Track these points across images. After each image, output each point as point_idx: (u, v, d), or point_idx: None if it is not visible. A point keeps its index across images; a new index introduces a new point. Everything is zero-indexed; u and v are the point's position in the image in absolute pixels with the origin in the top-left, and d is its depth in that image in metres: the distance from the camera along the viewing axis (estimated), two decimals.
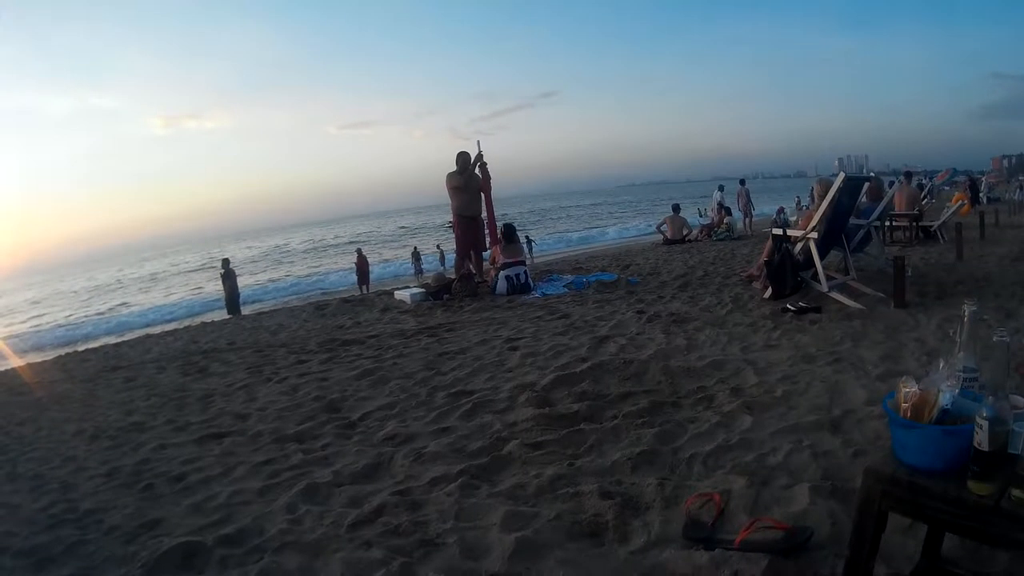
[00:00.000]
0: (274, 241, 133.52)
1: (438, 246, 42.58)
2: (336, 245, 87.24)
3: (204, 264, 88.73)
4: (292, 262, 77.30)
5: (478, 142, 16.48)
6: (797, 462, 4.98)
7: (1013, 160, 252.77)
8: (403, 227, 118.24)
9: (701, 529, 4.11)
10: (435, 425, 6.40)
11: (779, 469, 4.89)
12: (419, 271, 38.08)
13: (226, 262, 29.94)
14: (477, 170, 16.39)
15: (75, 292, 78.81)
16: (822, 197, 11.42)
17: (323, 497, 4.94)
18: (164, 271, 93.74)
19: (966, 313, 2.74)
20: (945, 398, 2.54)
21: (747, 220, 34.02)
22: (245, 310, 28.17)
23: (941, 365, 2.73)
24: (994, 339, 2.47)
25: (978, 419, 2.32)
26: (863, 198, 14.99)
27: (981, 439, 2.31)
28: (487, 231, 16.75)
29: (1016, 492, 2.29)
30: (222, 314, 27.82)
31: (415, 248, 43.86)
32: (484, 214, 16.76)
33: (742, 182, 37.36)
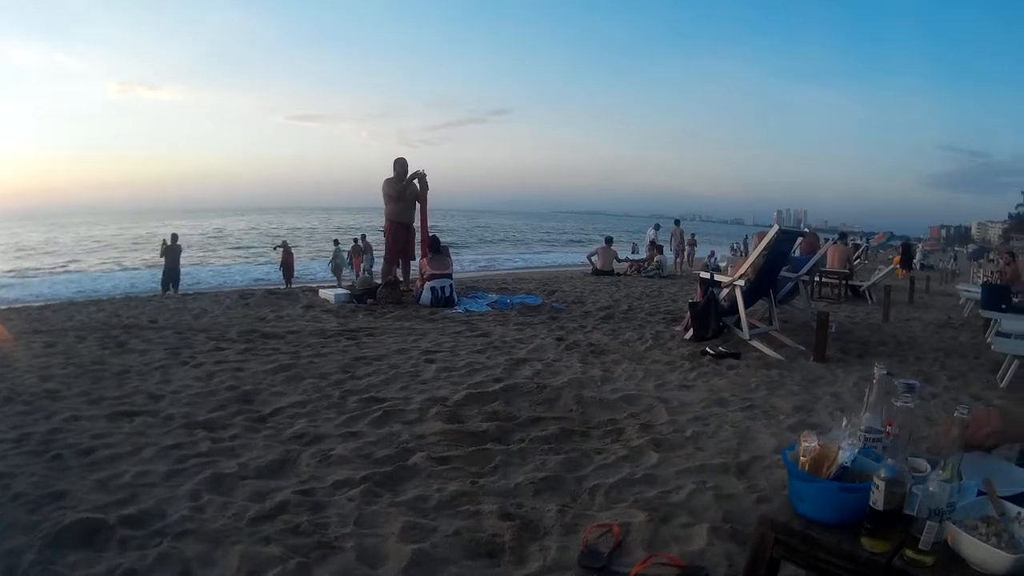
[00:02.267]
0: (214, 223, 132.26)
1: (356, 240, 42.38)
2: (273, 235, 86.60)
3: (141, 238, 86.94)
4: (227, 247, 76.54)
5: (424, 174, 16.50)
6: (699, 502, 5.05)
7: (952, 230, 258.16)
8: (338, 227, 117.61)
9: (597, 559, 4.15)
10: (344, 428, 6.38)
11: (681, 507, 4.95)
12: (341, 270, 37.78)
13: (174, 237, 29.45)
14: (416, 182, 16.36)
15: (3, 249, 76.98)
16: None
17: (227, 488, 4.91)
18: (93, 237, 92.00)
19: (876, 375, 2.82)
20: (845, 455, 2.59)
21: (678, 260, 34.51)
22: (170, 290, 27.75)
23: (844, 423, 2.80)
24: (898, 404, 2.53)
25: (876, 479, 2.37)
26: (796, 251, 15.16)
27: (877, 499, 2.35)
28: (419, 240, 16.72)
29: (909, 552, 2.33)
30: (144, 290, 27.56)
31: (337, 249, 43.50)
32: (418, 223, 16.75)
33: (677, 222, 37.65)
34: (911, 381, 2.86)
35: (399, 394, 7.59)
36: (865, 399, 2.83)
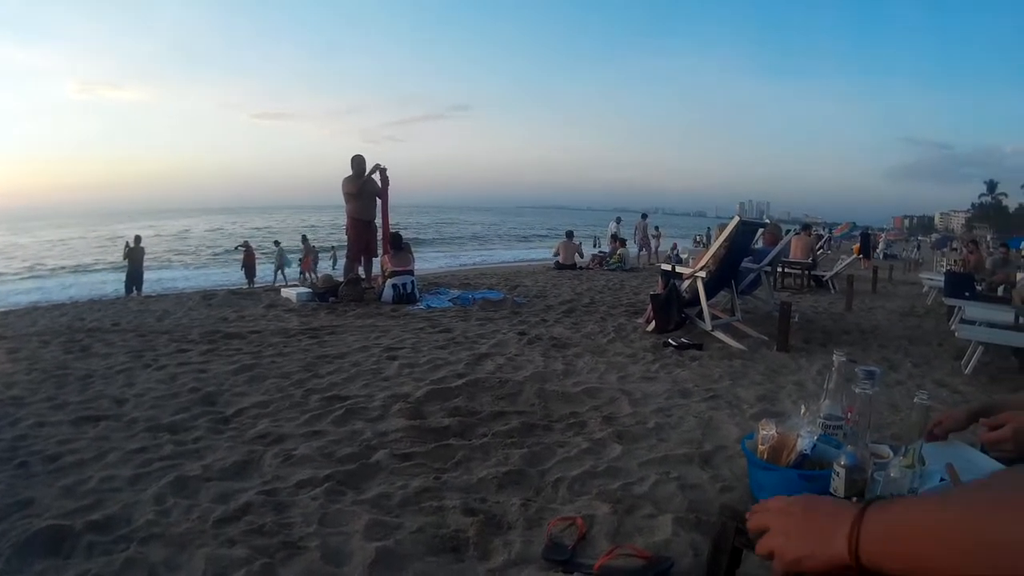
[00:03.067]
0: (178, 224, 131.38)
1: (304, 236, 42.18)
2: (237, 236, 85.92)
3: (104, 240, 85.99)
4: (191, 248, 76.05)
5: (383, 168, 16.58)
6: (663, 493, 5.09)
7: (915, 220, 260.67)
8: (307, 223, 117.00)
9: (561, 552, 4.17)
10: (307, 428, 6.37)
11: (644, 499, 4.98)
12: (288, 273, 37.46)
13: (137, 239, 29.25)
14: (376, 177, 16.44)
15: None
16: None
17: (191, 491, 4.89)
18: (56, 240, 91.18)
19: (835, 362, 2.81)
20: (805, 443, 2.59)
21: (642, 253, 34.76)
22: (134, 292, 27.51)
23: (803, 410, 2.80)
24: (857, 391, 2.53)
25: (836, 467, 2.36)
26: (759, 243, 15.23)
27: (837, 486, 2.35)
28: (381, 237, 16.77)
29: None
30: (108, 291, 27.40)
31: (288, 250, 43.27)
32: (379, 220, 16.82)
33: (643, 216, 37.69)
34: (872, 367, 2.85)
35: (361, 392, 7.59)
36: (825, 386, 2.81)
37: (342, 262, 20.44)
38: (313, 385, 7.82)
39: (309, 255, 36.42)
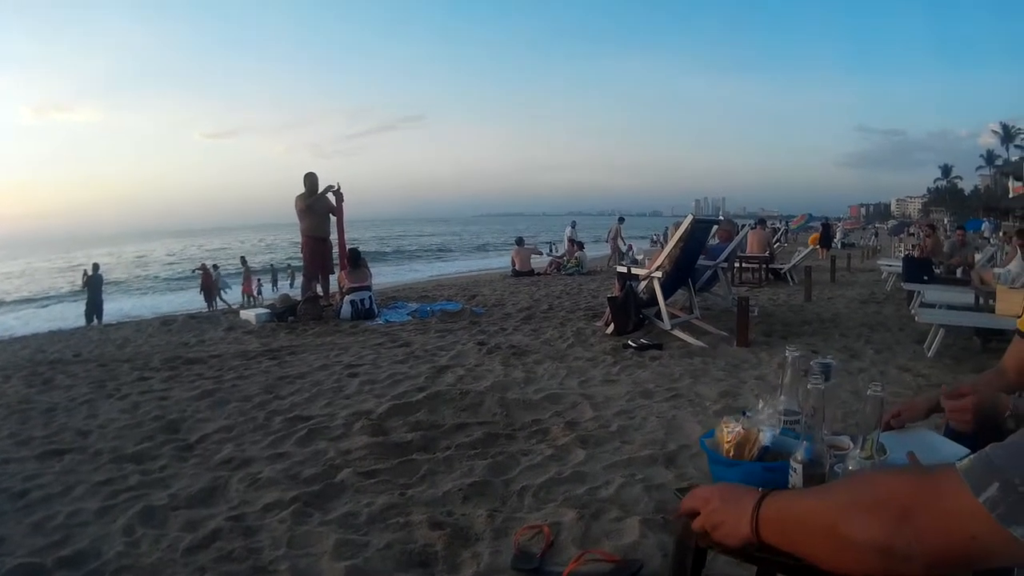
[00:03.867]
0: (136, 248, 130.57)
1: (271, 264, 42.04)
2: (194, 258, 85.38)
3: (62, 268, 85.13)
4: (148, 273, 75.57)
5: (337, 187, 16.59)
6: (629, 495, 5.10)
7: (871, 208, 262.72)
8: (265, 242, 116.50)
9: (530, 561, 4.18)
10: (271, 450, 6.35)
11: (611, 502, 5.00)
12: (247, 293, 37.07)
13: (95, 267, 29.09)
14: (331, 196, 16.45)
15: None
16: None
17: (159, 520, 4.86)
18: (12, 273, 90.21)
19: (789, 358, 2.84)
20: (766, 436, 2.60)
21: (615, 256, 34.49)
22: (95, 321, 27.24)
23: (761, 405, 2.81)
24: (808, 386, 2.56)
25: (792, 462, 2.35)
26: (714, 239, 15.33)
27: (795, 481, 2.33)
28: (337, 254, 16.77)
29: None
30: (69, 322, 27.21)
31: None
32: (335, 236, 16.81)
33: (620, 220, 37.90)
34: (827, 361, 2.92)
35: (323, 411, 7.59)
36: (780, 382, 2.84)
37: (300, 280, 20.43)
38: (275, 407, 7.80)
39: (250, 278, 36.17)
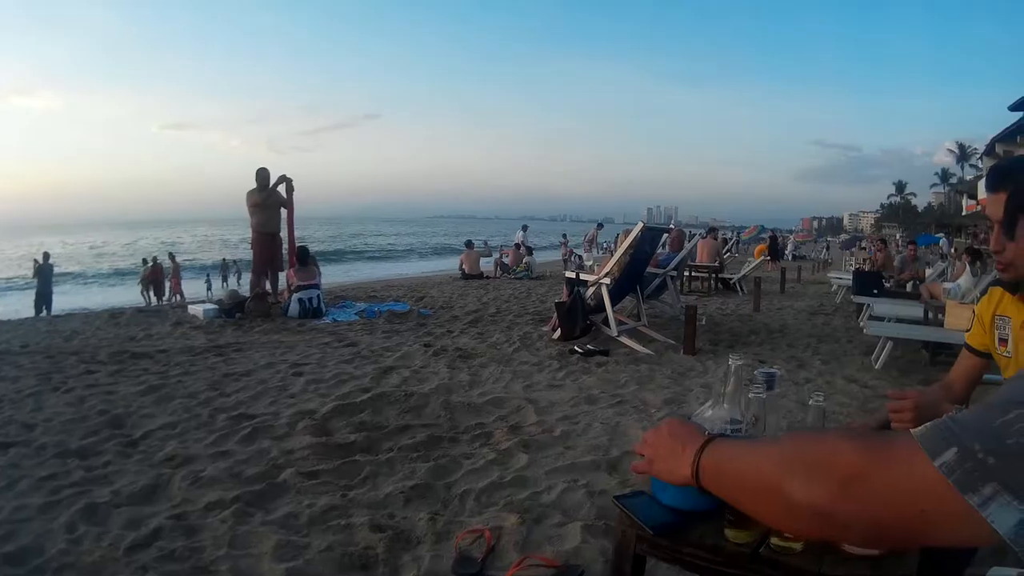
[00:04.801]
0: (90, 238, 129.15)
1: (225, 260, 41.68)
2: (146, 250, 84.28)
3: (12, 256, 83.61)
4: (99, 264, 74.69)
5: (289, 179, 16.59)
6: (571, 501, 5.18)
7: (824, 221, 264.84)
8: (207, 236, 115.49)
9: (471, 565, 4.23)
10: (214, 448, 6.33)
11: (552, 507, 5.08)
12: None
13: (46, 256, 28.72)
14: (282, 189, 16.43)
15: None
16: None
17: (102, 517, 4.84)
18: None
19: (732, 367, 2.88)
20: None
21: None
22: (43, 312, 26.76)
23: (708, 414, 2.86)
24: (749, 396, 2.60)
25: None
26: (664, 248, 15.43)
27: None
28: (287, 250, 16.70)
29: (775, 540, 2.31)
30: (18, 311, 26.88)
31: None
32: (285, 233, 16.75)
33: (599, 225, 38.21)
34: (772, 370, 2.96)
35: (268, 409, 7.58)
36: (723, 390, 2.89)
37: (247, 276, 20.27)
38: (220, 404, 7.78)
39: (176, 275, 35.81)
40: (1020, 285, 3.13)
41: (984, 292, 3.56)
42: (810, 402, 2.50)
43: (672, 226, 16.40)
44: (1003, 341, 3.36)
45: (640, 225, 11.99)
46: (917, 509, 1.15)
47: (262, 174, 16.22)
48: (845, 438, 1.30)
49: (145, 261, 38.23)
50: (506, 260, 29.88)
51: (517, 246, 31.59)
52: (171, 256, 38.24)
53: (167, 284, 35.09)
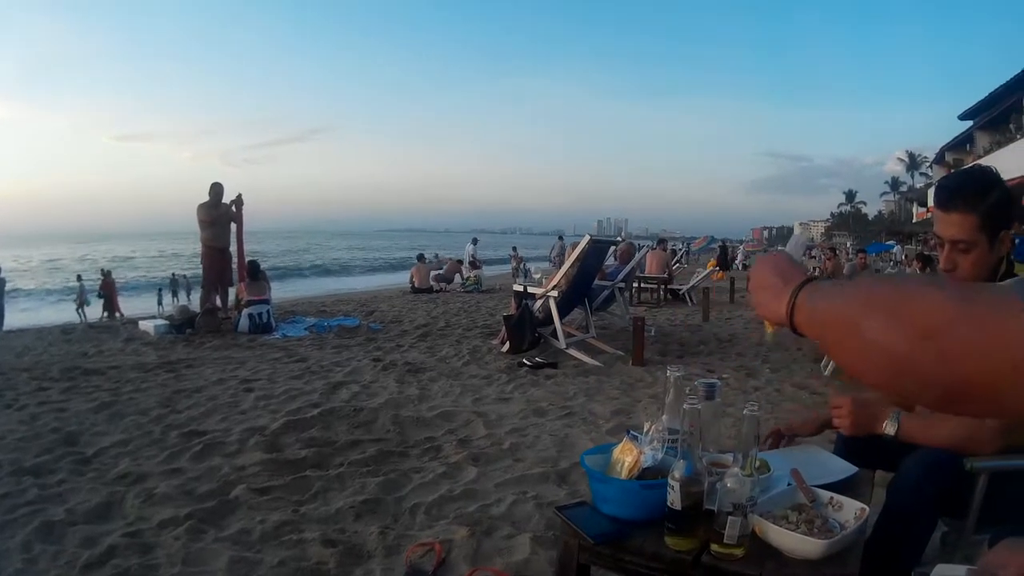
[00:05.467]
0: (42, 252, 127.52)
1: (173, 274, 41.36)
2: (96, 266, 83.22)
3: None
4: (52, 278, 73.89)
5: (238, 196, 16.55)
6: (521, 513, 5.26)
7: (774, 231, 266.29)
8: (162, 250, 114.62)
9: None
10: (166, 465, 6.33)
11: (502, 519, 5.14)
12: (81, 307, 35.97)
13: None
14: (232, 205, 16.38)
15: None
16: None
17: (57, 536, 4.84)
18: None
19: (671, 378, 2.92)
20: (648, 456, 2.76)
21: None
22: None
23: (647, 426, 2.97)
24: (685, 407, 2.69)
25: (670, 480, 2.48)
26: (612, 259, 15.54)
27: (674, 499, 2.46)
28: (236, 265, 16.67)
29: (715, 547, 2.45)
30: None
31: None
32: (235, 247, 16.72)
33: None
34: (712, 380, 3.08)
35: (219, 426, 7.61)
36: (664, 401, 2.95)
37: (197, 291, 20.19)
38: (171, 421, 7.79)
39: (115, 291, 35.33)
40: None
41: None
42: (744, 412, 2.58)
43: (621, 238, 16.52)
44: None
45: (587, 238, 12.13)
46: (1009, 362, 1.01)
47: (216, 189, 16.19)
48: (935, 284, 1.19)
49: (79, 278, 37.69)
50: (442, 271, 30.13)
51: (459, 261, 32.16)
52: (104, 272, 37.55)
53: (88, 304, 34.61)
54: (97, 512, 5.26)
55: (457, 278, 29.98)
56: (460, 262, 31.66)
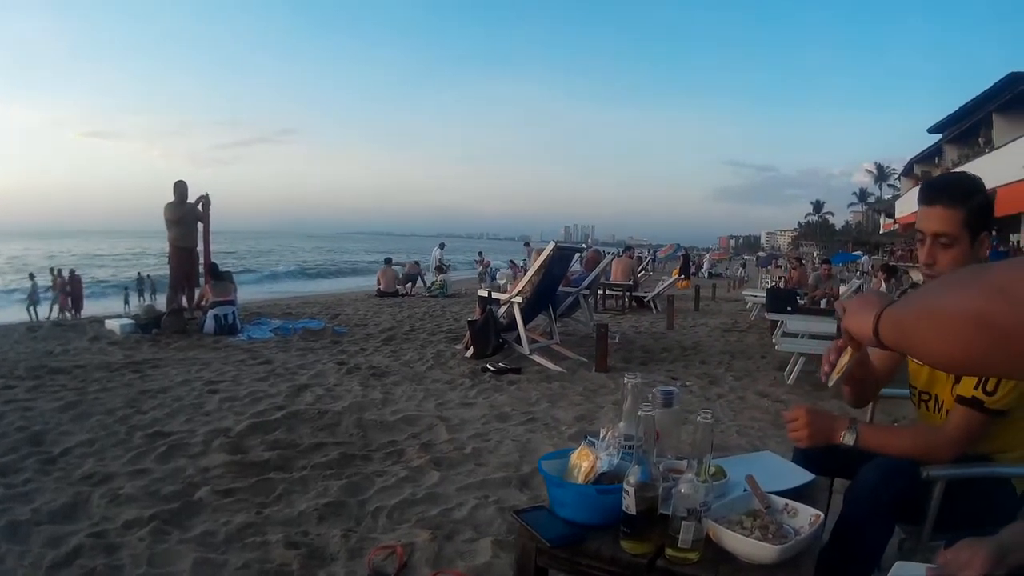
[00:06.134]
0: (8, 249, 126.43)
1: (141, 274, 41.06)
2: (62, 263, 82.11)
3: None
4: (16, 276, 73.14)
5: (205, 195, 16.45)
6: (482, 517, 5.34)
7: (740, 240, 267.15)
8: (130, 248, 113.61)
9: None
10: (131, 466, 6.34)
11: (464, 523, 5.21)
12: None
13: None
14: (199, 204, 16.29)
15: None
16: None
17: (23, 536, 4.83)
18: None
19: (628, 385, 3.05)
20: (604, 462, 2.81)
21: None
22: None
23: (603, 432, 3.00)
24: (640, 414, 2.75)
25: (625, 485, 2.53)
26: (577, 266, 15.64)
27: (628, 503, 2.51)
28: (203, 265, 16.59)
29: (670, 551, 2.49)
30: None
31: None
32: (201, 247, 16.63)
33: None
34: (670, 388, 3.18)
35: (184, 427, 7.62)
36: (622, 407, 3.05)
37: (162, 291, 20.09)
38: (136, 421, 7.79)
39: (63, 290, 34.86)
40: None
41: None
42: (698, 419, 2.64)
43: (586, 244, 16.66)
44: None
45: (552, 244, 12.22)
46: None
47: (180, 187, 16.11)
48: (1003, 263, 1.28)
49: (32, 276, 37.03)
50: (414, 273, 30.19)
51: (417, 263, 32.30)
52: (52, 271, 36.93)
53: (59, 300, 34.22)
54: (63, 512, 5.27)
55: (421, 281, 30.37)
56: (418, 263, 32.02)
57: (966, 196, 3.21)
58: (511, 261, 37.45)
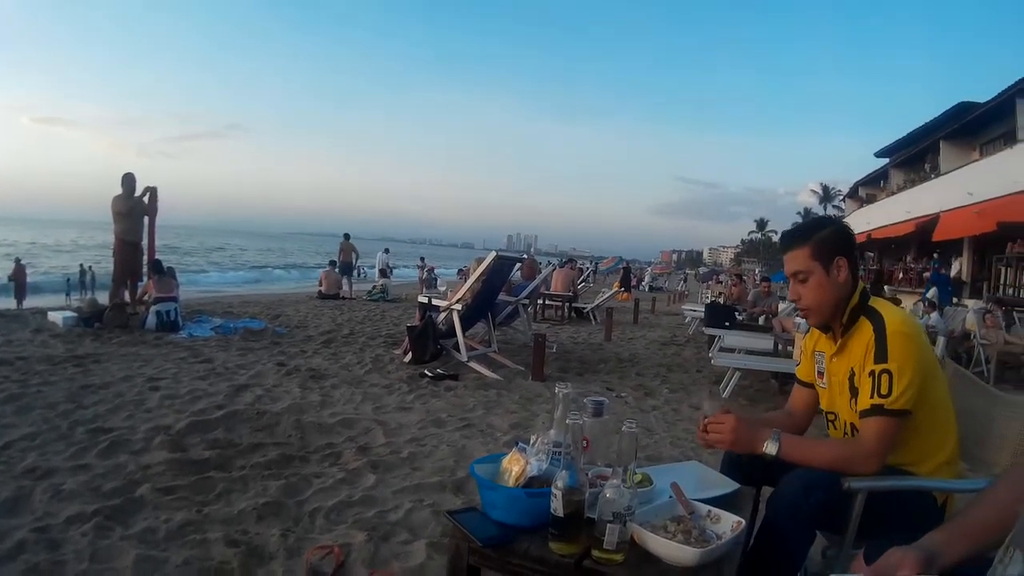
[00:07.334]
0: None
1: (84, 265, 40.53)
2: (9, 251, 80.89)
3: None
4: None
5: (154, 188, 16.45)
6: (418, 519, 5.48)
7: (683, 254, 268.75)
8: (75, 239, 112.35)
9: None
10: (73, 461, 6.35)
11: (399, 525, 5.34)
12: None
13: None
14: (146, 198, 16.26)
15: None
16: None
17: None
18: None
19: (559, 394, 3.11)
20: (533, 467, 2.93)
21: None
22: None
23: (534, 439, 3.17)
24: (568, 422, 2.84)
25: (553, 489, 2.65)
26: (517, 276, 15.76)
27: (556, 506, 2.64)
28: (147, 259, 16.59)
29: (596, 552, 2.59)
30: None
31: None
32: (146, 242, 16.62)
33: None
34: (600, 398, 3.37)
35: (125, 423, 7.64)
36: (553, 415, 3.08)
37: (101, 284, 19.95)
38: (78, 416, 7.79)
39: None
40: (828, 326, 3.54)
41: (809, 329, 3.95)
42: (623, 428, 2.76)
43: (525, 255, 16.86)
44: (820, 374, 3.78)
45: (493, 254, 12.42)
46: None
47: (128, 180, 16.04)
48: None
49: (14, 262, 36.53)
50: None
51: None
52: (16, 260, 36.27)
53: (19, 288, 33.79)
54: (6, 507, 5.29)
55: (356, 273, 30.48)
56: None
57: (809, 233, 3.57)
58: (460, 270, 37.38)
